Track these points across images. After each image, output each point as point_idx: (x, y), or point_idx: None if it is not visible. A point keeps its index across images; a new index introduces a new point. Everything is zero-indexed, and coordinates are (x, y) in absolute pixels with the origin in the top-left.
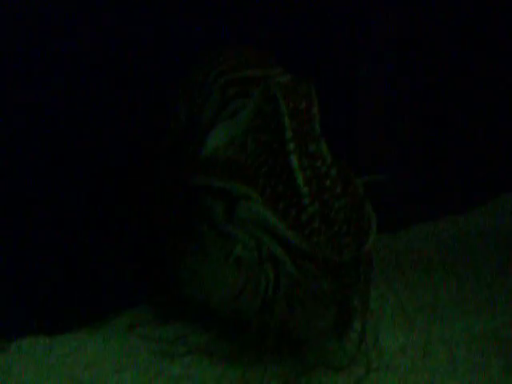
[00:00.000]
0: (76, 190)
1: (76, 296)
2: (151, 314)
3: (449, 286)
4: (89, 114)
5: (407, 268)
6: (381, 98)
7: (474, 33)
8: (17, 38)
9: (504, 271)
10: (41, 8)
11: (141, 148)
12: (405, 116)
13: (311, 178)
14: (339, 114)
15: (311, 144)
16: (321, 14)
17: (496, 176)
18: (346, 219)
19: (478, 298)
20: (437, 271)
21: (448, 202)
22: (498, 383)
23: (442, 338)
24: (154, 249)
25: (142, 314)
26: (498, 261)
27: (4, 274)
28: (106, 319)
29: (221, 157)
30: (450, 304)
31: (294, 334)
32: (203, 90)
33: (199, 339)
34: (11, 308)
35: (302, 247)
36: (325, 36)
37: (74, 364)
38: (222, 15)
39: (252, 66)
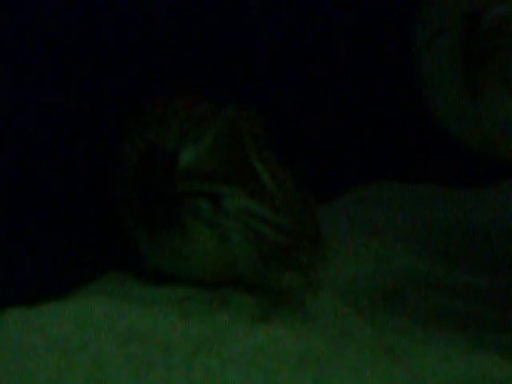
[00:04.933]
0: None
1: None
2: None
3: None
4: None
5: None
6: None
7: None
8: None
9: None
10: None
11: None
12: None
13: (271, 176)
14: None
15: (263, 152)
16: None
17: (351, 167)
18: (298, 200)
19: None
20: None
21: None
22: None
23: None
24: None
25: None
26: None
27: None
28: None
29: (196, 169)
30: None
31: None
32: (162, 126)
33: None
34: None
35: (286, 226)
36: None
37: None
38: None
39: (198, 104)
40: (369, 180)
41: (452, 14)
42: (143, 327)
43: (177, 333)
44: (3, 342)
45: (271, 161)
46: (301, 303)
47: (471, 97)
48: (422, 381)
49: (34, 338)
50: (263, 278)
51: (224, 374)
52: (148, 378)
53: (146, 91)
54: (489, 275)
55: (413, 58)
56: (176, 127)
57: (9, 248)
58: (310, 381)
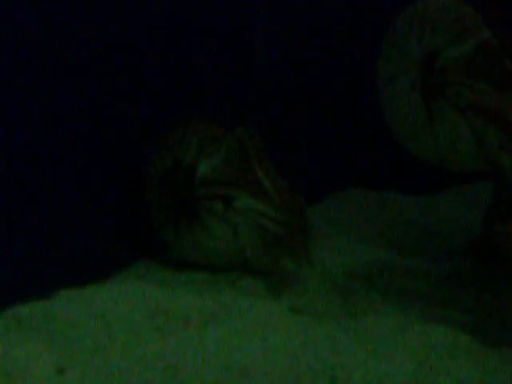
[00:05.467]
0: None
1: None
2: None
3: None
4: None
5: None
6: None
7: None
8: None
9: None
10: None
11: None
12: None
13: (270, 182)
14: None
15: (264, 163)
16: None
17: (333, 174)
18: (292, 200)
19: None
20: None
21: None
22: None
23: None
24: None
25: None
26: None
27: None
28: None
29: (211, 178)
30: None
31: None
32: (183, 143)
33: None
34: (52, 263)
35: (283, 220)
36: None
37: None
38: None
39: (211, 128)
40: (343, 188)
41: (411, 55)
42: (167, 304)
43: (193, 308)
44: (55, 316)
45: (270, 170)
46: (292, 284)
47: (429, 121)
48: (383, 343)
49: (80, 312)
50: (266, 261)
51: (230, 341)
52: (170, 344)
53: (172, 116)
54: (437, 262)
55: (377, 89)
56: (195, 145)
57: (65, 241)
58: (297, 345)
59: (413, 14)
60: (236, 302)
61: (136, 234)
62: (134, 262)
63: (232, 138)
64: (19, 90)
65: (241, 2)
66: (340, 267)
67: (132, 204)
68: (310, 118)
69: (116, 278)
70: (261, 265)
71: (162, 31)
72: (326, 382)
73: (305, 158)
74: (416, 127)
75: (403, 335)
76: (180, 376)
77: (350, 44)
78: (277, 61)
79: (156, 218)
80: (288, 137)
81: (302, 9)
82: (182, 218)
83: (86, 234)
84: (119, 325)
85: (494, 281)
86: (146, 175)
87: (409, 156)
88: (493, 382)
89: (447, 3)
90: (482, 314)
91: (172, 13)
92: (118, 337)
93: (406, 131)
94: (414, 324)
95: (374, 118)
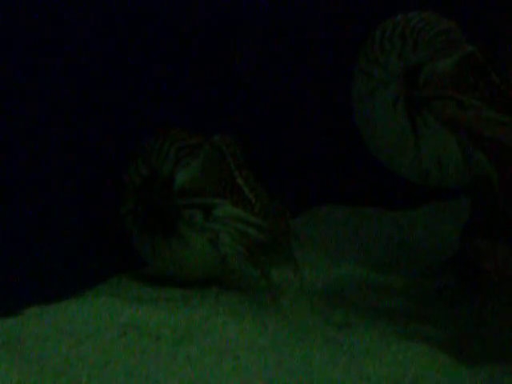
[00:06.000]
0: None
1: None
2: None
3: None
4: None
5: None
6: None
7: None
8: None
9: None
10: None
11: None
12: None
13: (250, 189)
14: None
15: (243, 171)
16: None
17: (309, 189)
18: (272, 207)
19: None
20: None
21: None
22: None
23: None
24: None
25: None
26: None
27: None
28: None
29: (190, 187)
30: None
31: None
32: (161, 153)
33: None
34: (21, 279)
35: (264, 226)
36: None
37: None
38: None
39: (189, 137)
40: (320, 203)
41: (391, 69)
42: (139, 321)
43: (165, 326)
44: (24, 334)
45: (249, 177)
46: (268, 301)
47: (413, 135)
48: (359, 361)
49: (49, 330)
50: (250, 269)
51: (202, 359)
52: (141, 363)
53: (147, 127)
54: (415, 279)
55: (353, 104)
56: (172, 155)
57: (34, 256)
58: (271, 363)
59: (393, 28)
60: (209, 320)
61: (111, 247)
62: (109, 277)
63: (209, 146)
64: None
65: (225, 9)
66: (316, 284)
67: (107, 216)
68: (286, 133)
69: (88, 294)
70: (244, 273)
71: (142, 37)
72: None
73: (282, 174)
74: (398, 142)
75: (379, 353)
76: None
77: (329, 59)
78: (252, 74)
79: (132, 231)
80: (265, 152)
81: (285, 20)
82: (158, 230)
83: (58, 248)
84: (89, 342)
85: (471, 297)
86: (122, 186)
87: (386, 171)
88: None
89: (429, 17)
90: (459, 330)
91: (152, 18)
92: (87, 355)
93: (387, 146)
94: (390, 341)
95: (351, 133)
